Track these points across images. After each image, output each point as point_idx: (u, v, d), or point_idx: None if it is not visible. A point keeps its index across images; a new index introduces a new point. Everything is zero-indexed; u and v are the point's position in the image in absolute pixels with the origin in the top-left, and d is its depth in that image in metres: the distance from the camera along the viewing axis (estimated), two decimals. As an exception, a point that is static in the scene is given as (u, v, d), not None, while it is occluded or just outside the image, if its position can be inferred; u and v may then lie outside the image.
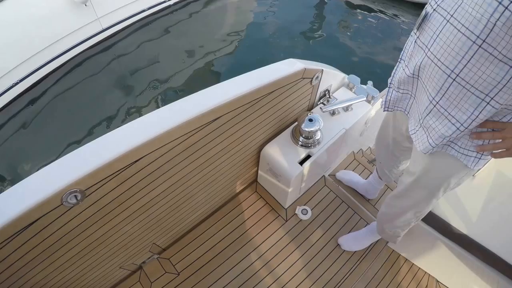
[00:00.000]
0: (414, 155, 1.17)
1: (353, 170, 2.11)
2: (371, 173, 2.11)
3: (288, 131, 1.70)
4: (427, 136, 0.96)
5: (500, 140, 0.86)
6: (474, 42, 0.71)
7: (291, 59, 1.46)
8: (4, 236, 0.86)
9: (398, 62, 1.07)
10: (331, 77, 1.73)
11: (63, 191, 0.89)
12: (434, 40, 0.81)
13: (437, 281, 1.77)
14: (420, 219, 1.36)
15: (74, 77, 4.22)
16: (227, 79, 1.27)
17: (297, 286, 1.64)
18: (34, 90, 3.97)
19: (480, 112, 0.79)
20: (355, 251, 1.77)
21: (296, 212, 1.87)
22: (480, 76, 0.74)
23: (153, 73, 4.42)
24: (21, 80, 3.78)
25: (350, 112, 1.80)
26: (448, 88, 0.81)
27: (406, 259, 1.80)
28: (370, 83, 1.85)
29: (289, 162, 1.60)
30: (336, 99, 1.78)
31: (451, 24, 0.75)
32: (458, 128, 0.85)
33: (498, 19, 0.64)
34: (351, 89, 1.88)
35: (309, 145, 1.64)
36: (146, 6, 4.93)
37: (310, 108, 1.80)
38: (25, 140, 3.62)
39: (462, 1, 0.72)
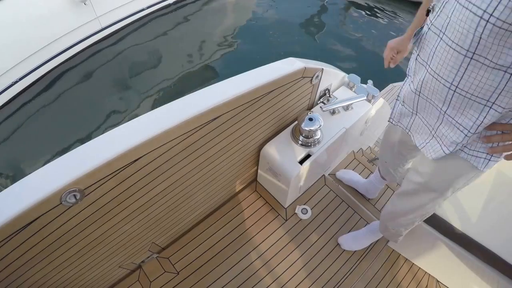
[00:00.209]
0: (423, 156, 1.16)
1: (353, 170, 2.11)
2: (371, 172, 2.11)
3: (288, 130, 1.69)
4: (440, 145, 0.99)
5: (511, 142, 0.87)
6: (465, 56, 0.76)
7: (291, 58, 1.45)
8: (3, 235, 0.86)
9: (406, 78, 1.12)
10: (331, 76, 1.72)
11: (62, 190, 0.89)
12: (432, 57, 0.87)
13: (437, 281, 1.76)
14: (424, 219, 1.36)
15: (73, 76, 4.22)
16: (227, 78, 1.27)
17: (296, 286, 1.64)
18: (33, 90, 3.97)
19: (485, 117, 0.83)
20: (355, 251, 1.76)
21: (296, 211, 1.86)
22: (477, 85, 0.78)
23: (153, 72, 4.41)
24: (20, 79, 3.78)
25: (350, 111, 1.79)
26: (451, 99, 0.86)
27: (406, 259, 1.80)
28: (370, 82, 1.85)
29: (289, 161, 1.59)
30: (336, 98, 1.78)
31: (443, 41, 0.81)
32: (466, 135, 0.90)
33: (482, 32, 0.69)
34: (351, 88, 1.87)
35: (309, 144, 1.63)
36: (146, 5, 4.93)
37: (310, 107, 1.79)
38: (24, 139, 3.62)
39: (450, 19, 0.77)
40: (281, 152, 1.62)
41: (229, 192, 1.84)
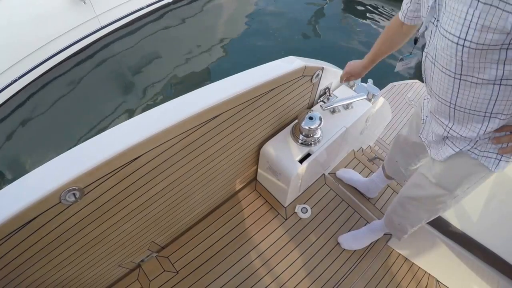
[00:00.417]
0: None
1: (353, 169, 2.10)
2: (372, 171, 2.10)
3: (288, 129, 1.69)
4: (450, 147, 1.05)
5: None
6: (454, 78, 0.84)
7: (291, 57, 1.45)
8: (2, 234, 0.85)
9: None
10: (332, 75, 1.72)
11: (61, 189, 0.88)
12: (432, 81, 0.97)
13: (437, 280, 1.76)
14: (430, 219, 1.35)
15: (72, 75, 4.21)
16: (227, 77, 1.26)
17: (296, 285, 1.63)
18: (32, 89, 3.96)
19: (487, 127, 0.90)
20: (355, 250, 1.76)
21: (296, 210, 1.86)
22: (472, 101, 0.86)
23: (152, 71, 4.41)
24: (18, 78, 3.77)
25: (351, 110, 1.79)
26: (454, 116, 0.95)
27: (406, 258, 1.80)
28: (370, 81, 1.85)
29: (289, 160, 1.59)
30: (337, 97, 1.77)
31: (437, 67, 0.89)
32: (468, 144, 0.99)
33: (462, 56, 0.77)
34: (351, 87, 1.87)
35: (309, 143, 1.63)
36: (145, 4, 4.91)
37: (310, 106, 1.79)
38: (23, 138, 3.61)
39: (436, 48, 0.85)
40: (281, 151, 1.61)
41: (229, 191, 1.84)
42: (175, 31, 5.06)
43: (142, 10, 4.91)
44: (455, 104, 0.91)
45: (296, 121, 1.65)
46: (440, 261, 1.65)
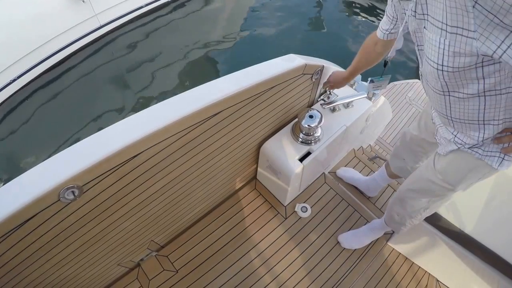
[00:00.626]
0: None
1: (353, 168, 2.10)
2: (372, 170, 2.10)
3: (288, 127, 1.68)
4: (455, 145, 1.09)
5: None
6: (444, 95, 0.92)
7: (291, 55, 1.44)
8: (0, 233, 0.84)
9: None
10: (333, 71, 1.71)
11: (60, 186, 0.87)
12: (430, 97, 1.06)
13: (437, 280, 1.76)
14: (430, 213, 1.36)
15: (72, 74, 4.20)
16: (227, 74, 1.25)
17: (296, 284, 1.63)
18: (30, 88, 3.95)
19: (484, 133, 0.96)
20: (355, 249, 1.75)
21: (296, 209, 1.85)
22: (464, 112, 0.93)
23: (152, 70, 4.40)
24: (17, 78, 3.76)
25: (351, 108, 1.78)
26: (454, 126, 1.03)
27: (406, 257, 1.79)
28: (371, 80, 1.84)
29: (289, 159, 1.58)
30: (337, 96, 1.77)
31: (429, 87, 0.97)
32: (477, 142, 1.03)
33: (444, 78, 0.84)
34: (351, 86, 1.86)
35: (309, 141, 1.62)
36: (144, 2, 4.90)
37: (310, 105, 1.78)
38: (23, 137, 3.60)
39: (425, 71, 0.93)
40: (281, 150, 1.61)
41: (229, 190, 1.83)
42: (175, 29, 5.05)
43: (142, 9, 4.90)
44: (451, 116, 0.99)
45: (296, 119, 1.64)
46: (440, 260, 1.65)
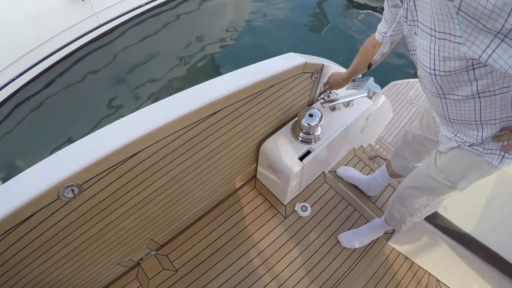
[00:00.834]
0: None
1: (353, 167, 2.09)
2: (372, 170, 2.09)
3: (288, 126, 1.68)
4: (455, 143, 1.10)
5: None
6: (440, 97, 0.94)
7: (291, 53, 1.43)
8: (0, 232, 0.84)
9: None
10: (332, 72, 1.71)
11: (60, 184, 0.87)
12: (428, 100, 1.09)
13: (438, 280, 1.75)
14: (431, 211, 1.36)
15: (71, 73, 4.20)
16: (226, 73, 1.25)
17: (296, 283, 1.63)
18: (30, 87, 3.94)
19: (483, 132, 0.97)
20: (355, 249, 1.75)
21: (296, 208, 1.85)
22: (461, 113, 0.95)
23: (152, 68, 4.39)
24: (17, 77, 3.75)
25: (351, 107, 1.78)
26: (453, 126, 1.04)
27: (407, 257, 1.79)
28: (371, 79, 1.83)
29: (289, 158, 1.58)
30: (337, 95, 1.76)
31: (427, 90, 0.99)
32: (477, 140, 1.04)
33: (437, 81, 0.86)
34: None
35: (309, 140, 1.62)
36: (144, 1, 4.89)
37: (310, 103, 1.78)
38: (22, 136, 3.60)
39: (421, 76, 0.94)
40: (281, 149, 1.60)
41: (228, 189, 1.83)
42: (175, 28, 5.04)
43: (141, 8, 4.89)
44: (449, 118, 1.01)
45: (296, 118, 1.63)
46: (440, 260, 1.65)
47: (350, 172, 2.01)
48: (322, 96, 1.79)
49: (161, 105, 1.08)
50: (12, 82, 3.72)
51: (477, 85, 0.82)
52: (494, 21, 0.60)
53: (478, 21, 0.63)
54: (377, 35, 1.26)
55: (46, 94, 3.95)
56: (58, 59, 4.14)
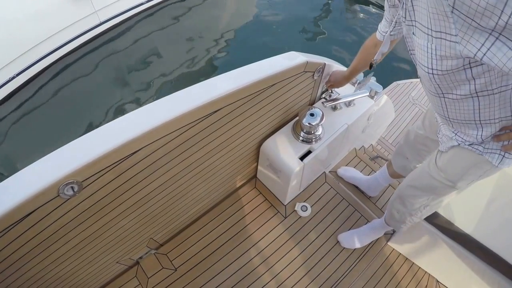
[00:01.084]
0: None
1: (354, 167, 2.09)
2: (373, 170, 2.09)
3: (289, 126, 1.67)
4: (455, 142, 1.11)
5: None
6: (440, 97, 0.95)
7: (293, 52, 1.43)
8: None
9: None
10: (333, 70, 1.70)
11: (60, 182, 0.87)
12: (429, 100, 1.09)
13: (437, 281, 1.75)
14: (431, 211, 1.35)
15: (71, 71, 4.19)
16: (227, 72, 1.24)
17: (296, 283, 1.62)
18: (30, 86, 3.94)
19: (483, 132, 0.97)
20: (355, 249, 1.75)
21: (296, 208, 1.85)
22: (460, 113, 0.95)
23: (152, 66, 4.39)
24: (16, 75, 3.75)
25: (352, 107, 1.77)
26: (453, 125, 1.05)
27: (406, 258, 1.79)
28: (373, 78, 1.83)
29: (290, 158, 1.57)
30: (338, 94, 1.76)
31: (427, 90, 1.00)
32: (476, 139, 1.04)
33: (435, 80, 0.87)
34: (353, 84, 1.85)
35: (310, 140, 1.61)
36: (144, -1, 4.89)
37: (311, 103, 1.77)
38: (22, 134, 3.59)
39: (421, 76, 0.95)
40: (282, 148, 1.60)
41: (229, 189, 1.82)
42: (176, 26, 5.03)
43: (142, 6, 4.88)
44: (448, 117, 1.01)
45: (297, 118, 1.63)
46: (440, 261, 1.64)
47: (351, 173, 2.00)
48: (323, 95, 1.78)
49: (161, 103, 1.08)
50: (12, 81, 3.71)
51: (475, 84, 0.83)
52: (488, 18, 0.60)
53: (472, 19, 0.63)
54: (378, 34, 1.26)
55: (46, 93, 3.94)
56: (58, 57, 4.13)
